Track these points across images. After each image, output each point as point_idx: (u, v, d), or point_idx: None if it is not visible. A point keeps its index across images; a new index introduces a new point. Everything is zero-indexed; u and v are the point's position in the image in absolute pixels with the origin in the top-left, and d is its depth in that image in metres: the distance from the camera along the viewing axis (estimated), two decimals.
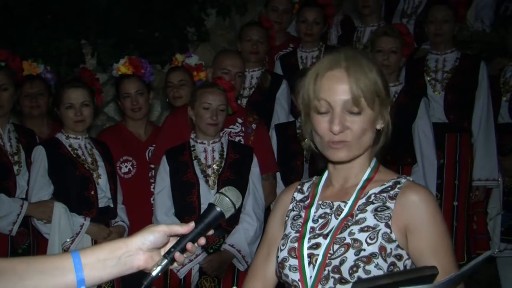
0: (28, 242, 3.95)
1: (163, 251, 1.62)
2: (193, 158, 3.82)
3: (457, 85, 4.62)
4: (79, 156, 3.88)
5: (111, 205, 3.92)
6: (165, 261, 1.59)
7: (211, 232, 1.66)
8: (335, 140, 1.83)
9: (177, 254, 1.60)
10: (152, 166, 4.22)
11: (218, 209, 1.64)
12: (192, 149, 3.85)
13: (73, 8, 5.30)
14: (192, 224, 1.62)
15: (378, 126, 1.88)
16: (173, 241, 1.63)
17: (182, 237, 1.62)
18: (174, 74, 4.59)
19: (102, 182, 3.87)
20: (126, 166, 4.24)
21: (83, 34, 5.42)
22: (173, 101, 4.56)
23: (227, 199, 1.65)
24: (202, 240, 1.63)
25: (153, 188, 4.20)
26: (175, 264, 1.61)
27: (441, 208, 4.47)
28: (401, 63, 4.49)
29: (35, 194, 3.80)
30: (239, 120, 4.22)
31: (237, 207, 1.67)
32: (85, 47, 5.48)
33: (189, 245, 1.61)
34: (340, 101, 1.82)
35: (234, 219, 3.78)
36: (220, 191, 1.68)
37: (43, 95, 4.38)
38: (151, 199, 4.22)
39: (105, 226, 3.88)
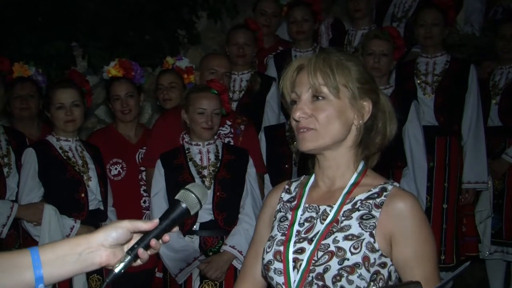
0: (18, 245, 3.93)
1: (126, 247, 1.60)
2: (188, 160, 3.80)
3: (447, 88, 4.62)
4: (69, 158, 3.86)
5: (102, 208, 3.90)
6: (128, 257, 1.57)
7: (175, 229, 1.63)
8: (299, 126, 1.86)
9: (140, 251, 1.57)
10: (143, 168, 4.21)
11: (183, 205, 1.61)
12: (186, 151, 3.82)
13: (63, 10, 5.29)
14: (156, 221, 1.60)
15: (356, 123, 1.88)
16: (136, 238, 1.60)
17: (146, 234, 1.59)
18: (165, 76, 4.59)
19: (93, 184, 3.86)
20: (116, 169, 4.23)
21: (73, 37, 5.41)
22: (163, 104, 4.57)
23: (193, 195, 1.62)
24: (167, 237, 1.61)
25: (143, 190, 4.21)
26: (139, 261, 1.59)
27: (431, 211, 4.50)
28: (391, 66, 4.48)
29: (25, 197, 3.78)
30: (228, 122, 4.22)
31: (202, 204, 1.64)
32: (76, 49, 5.47)
33: (153, 242, 1.59)
34: (304, 89, 1.86)
35: (233, 220, 3.75)
36: (185, 187, 1.64)
37: (34, 97, 4.36)
38: (141, 201, 4.22)
39: (95, 229, 3.84)
